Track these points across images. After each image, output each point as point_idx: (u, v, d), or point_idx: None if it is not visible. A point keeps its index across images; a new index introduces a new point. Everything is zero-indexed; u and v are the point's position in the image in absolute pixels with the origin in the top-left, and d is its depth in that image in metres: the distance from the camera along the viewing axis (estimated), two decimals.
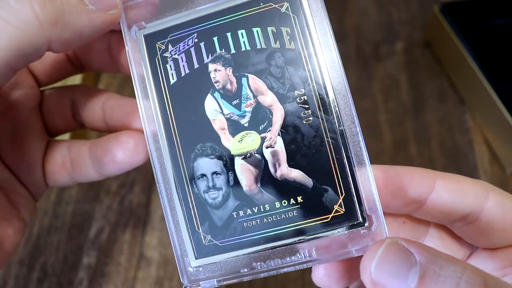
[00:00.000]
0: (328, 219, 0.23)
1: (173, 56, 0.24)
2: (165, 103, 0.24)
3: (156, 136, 0.24)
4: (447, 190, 0.24)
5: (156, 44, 0.24)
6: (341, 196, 0.23)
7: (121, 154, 0.25)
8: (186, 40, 0.24)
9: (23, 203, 0.27)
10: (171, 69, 0.24)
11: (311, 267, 0.24)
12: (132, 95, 0.25)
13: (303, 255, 0.23)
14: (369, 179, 0.22)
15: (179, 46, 0.24)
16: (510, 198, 0.25)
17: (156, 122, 0.24)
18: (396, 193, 0.24)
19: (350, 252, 0.23)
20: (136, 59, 0.24)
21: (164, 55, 0.24)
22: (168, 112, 0.24)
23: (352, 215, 0.23)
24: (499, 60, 0.46)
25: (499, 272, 0.24)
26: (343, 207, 0.23)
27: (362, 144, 0.22)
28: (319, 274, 0.25)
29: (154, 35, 0.24)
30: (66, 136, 0.42)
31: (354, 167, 0.22)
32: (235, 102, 0.23)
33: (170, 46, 0.24)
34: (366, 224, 0.22)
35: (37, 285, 0.38)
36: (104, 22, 0.23)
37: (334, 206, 0.23)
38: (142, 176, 0.44)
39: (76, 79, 0.44)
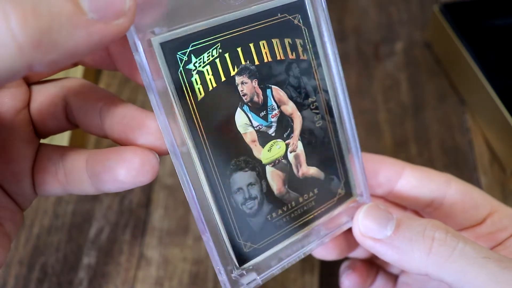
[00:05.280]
0: (335, 201, 0.27)
1: (198, 69, 0.22)
2: (194, 121, 0.22)
3: (188, 156, 0.22)
4: (414, 177, 0.30)
5: (177, 55, 0.21)
6: (342, 180, 0.27)
7: (124, 173, 0.22)
8: (210, 50, 0.22)
9: (7, 216, 0.23)
10: (197, 84, 0.22)
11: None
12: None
13: (315, 236, 0.26)
14: (360, 164, 0.27)
15: (203, 57, 0.22)
16: (469, 185, 0.30)
17: (187, 141, 0.22)
18: (369, 175, 0.29)
19: (347, 223, 0.27)
20: (153, 71, 0.20)
21: (187, 67, 0.21)
22: (199, 130, 0.22)
23: (350, 194, 0.28)
24: (499, 60, 0.46)
25: None
26: (343, 189, 0.27)
27: (356, 137, 0.27)
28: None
29: (173, 44, 0.21)
30: (65, 137, 0.42)
31: (350, 156, 0.27)
32: (262, 113, 0.24)
33: (193, 57, 0.21)
34: (358, 199, 0.28)
35: (37, 285, 0.38)
36: (107, 36, 0.17)
37: (338, 190, 0.27)
38: None
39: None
